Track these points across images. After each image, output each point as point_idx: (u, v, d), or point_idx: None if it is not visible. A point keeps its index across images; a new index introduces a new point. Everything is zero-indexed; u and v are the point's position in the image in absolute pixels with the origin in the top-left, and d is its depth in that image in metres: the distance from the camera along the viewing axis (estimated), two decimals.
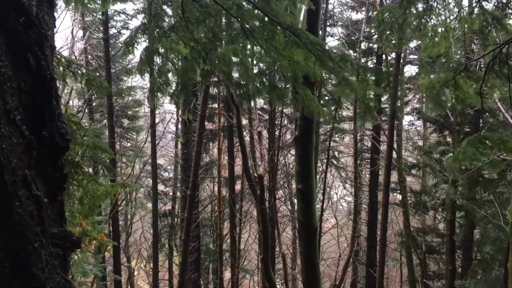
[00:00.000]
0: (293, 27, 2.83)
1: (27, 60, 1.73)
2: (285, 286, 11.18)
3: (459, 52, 7.78)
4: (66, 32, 28.50)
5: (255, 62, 3.47)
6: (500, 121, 10.15)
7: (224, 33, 3.19)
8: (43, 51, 1.77)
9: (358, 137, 13.38)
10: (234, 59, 3.30)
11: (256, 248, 16.08)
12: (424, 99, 12.45)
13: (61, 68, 5.03)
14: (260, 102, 15.44)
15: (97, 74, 13.04)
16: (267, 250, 6.68)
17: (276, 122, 15.16)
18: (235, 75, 3.57)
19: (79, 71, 5.21)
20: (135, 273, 17.68)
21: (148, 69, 3.49)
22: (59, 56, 5.08)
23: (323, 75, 3.42)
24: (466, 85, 4.18)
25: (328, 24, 13.87)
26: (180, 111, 14.48)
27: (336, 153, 17.43)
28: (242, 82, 3.54)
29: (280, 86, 3.47)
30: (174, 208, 15.91)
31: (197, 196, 13.24)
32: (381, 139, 15.04)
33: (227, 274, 15.21)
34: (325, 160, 14.19)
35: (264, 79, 3.32)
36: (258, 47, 3.08)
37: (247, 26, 2.91)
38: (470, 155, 4.11)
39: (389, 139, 10.22)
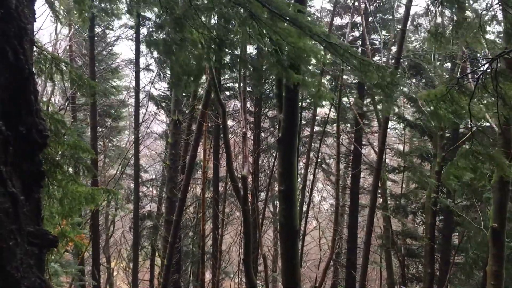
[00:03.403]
0: (297, 19, 2.92)
1: (5, 53, 1.69)
2: (265, 287, 11.17)
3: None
4: (50, 29, 27.99)
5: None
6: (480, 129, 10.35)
7: (234, 17, 3.27)
8: (22, 45, 1.74)
9: (341, 140, 13.45)
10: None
11: (237, 250, 16.06)
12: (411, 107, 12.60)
13: (47, 65, 4.93)
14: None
15: (82, 72, 12.84)
16: (249, 251, 6.67)
17: (261, 125, 15.22)
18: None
19: (66, 69, 5.12)
20: (115, 273, 17.44)
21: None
22: (46, 54, 4.98)
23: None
24: (460, 100, 4.32)
25: None
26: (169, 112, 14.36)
27: (325, 156, 17.56)
28: (255, 66, 3.66)
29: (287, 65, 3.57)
30: (159, 209, 15.78)
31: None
32: (363, 142, 15.17)
33: (208, 275, 15.14)
34: (312, 162, 14.28)
35: (275, 60, 3.41)
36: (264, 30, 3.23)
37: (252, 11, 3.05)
38: (463, 166, 4.32)
39: (380, 142, 10.20)
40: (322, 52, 3.46)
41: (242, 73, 7.62)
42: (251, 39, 3.31)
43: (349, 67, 3.51)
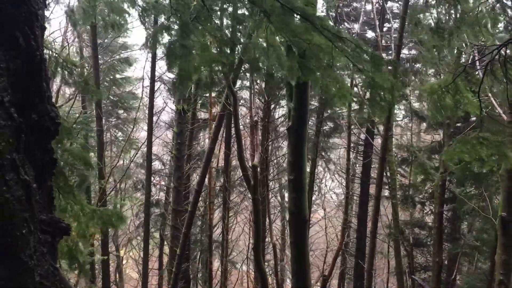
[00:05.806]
0: (307, 13, 2.82)
1: (15, 39, 1.66)
2: (274, 276, 11.23)
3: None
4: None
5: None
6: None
7: (248, 19, 3.16)
8: (33, 30, 1.71)
9: (352, 129, 13.33)
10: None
11: (244, 239, 16.12)
12: (420, 101, 12.45)
13: (58, 68, 4.97)
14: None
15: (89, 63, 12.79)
16: (259, 239, 6.69)
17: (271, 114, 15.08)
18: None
19: (75, 71, 5.15)
20: (124, 261, 17.62)
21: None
22: (57, 56, 5.01)
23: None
24: (466, 89, 4.21)
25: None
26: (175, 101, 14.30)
27: (328, 145, 17.43)
28: (271, 71, 3.50)
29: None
30: (167, 199, 15.86)
31: (187, 188, 13.17)
32: (375, 131, 15.04)
33: (216, 264, 15.24)
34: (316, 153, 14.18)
35: (296, 63, 3.21)
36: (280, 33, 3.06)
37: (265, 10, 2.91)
38: (464, 151, 4.22)
39: (385, 131, 10.13)
40: (335, 50, 3.14)
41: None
42: (268, 44, 3.13)
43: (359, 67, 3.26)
